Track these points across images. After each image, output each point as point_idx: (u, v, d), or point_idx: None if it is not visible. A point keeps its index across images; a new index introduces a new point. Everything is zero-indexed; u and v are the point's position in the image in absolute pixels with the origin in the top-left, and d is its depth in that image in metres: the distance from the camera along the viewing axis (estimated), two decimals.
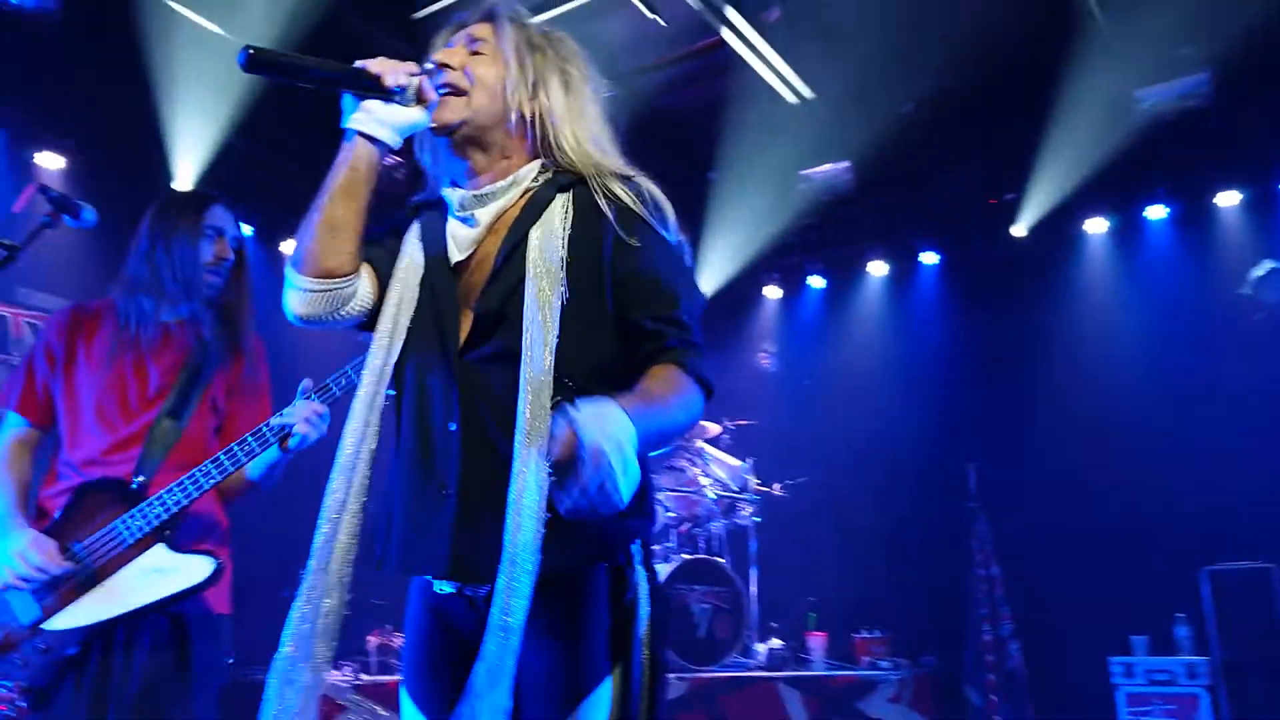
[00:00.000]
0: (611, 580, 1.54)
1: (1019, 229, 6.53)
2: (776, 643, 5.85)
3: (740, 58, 5.91)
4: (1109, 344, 6.30)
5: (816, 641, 5.95)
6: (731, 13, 5.51)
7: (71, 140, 5.40)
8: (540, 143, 1.66)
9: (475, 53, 1.65)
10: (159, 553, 2.24)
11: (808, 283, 7.71)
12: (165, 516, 2.23)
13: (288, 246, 6.73)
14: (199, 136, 5.57)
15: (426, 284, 1.64)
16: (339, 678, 5.19)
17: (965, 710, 5.79)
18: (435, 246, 1.67)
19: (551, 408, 1.42)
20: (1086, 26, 5.51)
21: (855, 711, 5.23)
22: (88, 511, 2.25)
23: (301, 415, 2.29)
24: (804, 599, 6.55)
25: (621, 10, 5.32)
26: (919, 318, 7.25)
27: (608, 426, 1.25)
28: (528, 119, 1.64)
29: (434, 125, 1.61)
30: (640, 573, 1.57)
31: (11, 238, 2.03)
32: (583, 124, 1.68)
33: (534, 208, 1.62)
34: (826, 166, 6.91)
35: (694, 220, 7.07)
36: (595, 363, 1.55)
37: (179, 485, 2.25)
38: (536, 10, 5.28)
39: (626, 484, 1.24)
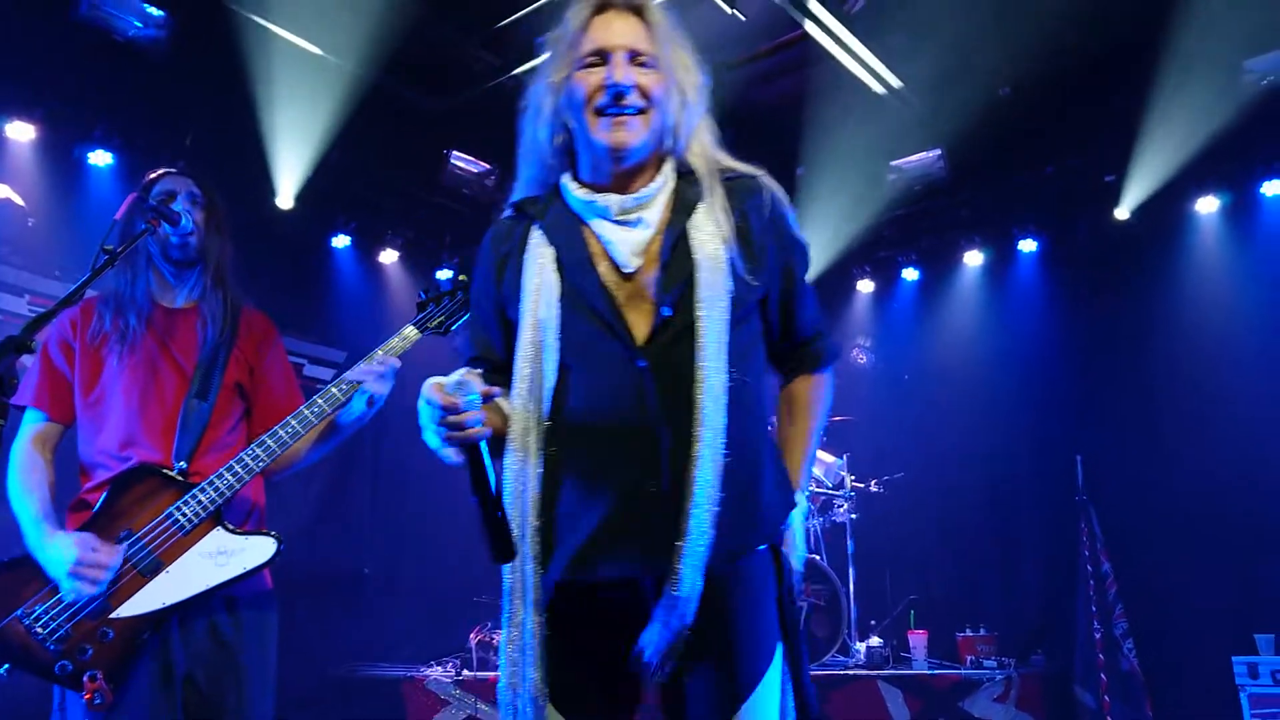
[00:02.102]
0: (775, 562, 1.62)
1: (1122, 211, 6.27)
2: (876, 641, 5.76)
3: (824, 50, 5.84)
4: (1223, 328, 5.98)
5: (918, 640, 5.84)
6: (814, 4, 5.45)
7: (182, 160, 5.68)
8: (672, 139, 1.69)
9: (641, 64, 1.64)
10: (219, 535, 2.29)
11: (901, 275, 7.56)
12: (220, 501, 2.28)
13: (385, 256, 6.95)
14: (298, 151, 5.81)
15: (574, 293, 1.63)
16: (440, 674, 5.32)
17: (1077, 712, 5.60)
18: (579, 252, 1.66)
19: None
20: None
21: (959, 711, 5.11)
22: (134, 498, 2.27)
23: (371, 372, 2.36)
24: (904, 597, 6.43)
25: (699, 6, 5.29)
26: (1019, 307, 7.03)
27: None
28: (677, 125, 1.68)
29: (615, 147, 1.61)
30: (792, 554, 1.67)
31: (113, 244, 2.14)
32: (706, 120, 1.75)
33: (685, 207, 1.67)
34: (917, 156, 6.78)
35: None
36: (745, 347, 1.66)
37: (229, 470, 2.29)
38: None
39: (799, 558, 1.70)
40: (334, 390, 2.37)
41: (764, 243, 1.67)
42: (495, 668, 5.47)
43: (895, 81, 6.28)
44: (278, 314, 2.74)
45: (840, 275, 7.57)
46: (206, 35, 5.34)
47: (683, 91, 1.67)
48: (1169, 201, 6.15)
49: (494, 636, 5.78)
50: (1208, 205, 6.20)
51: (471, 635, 5.72)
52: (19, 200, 5.11)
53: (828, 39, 5.75)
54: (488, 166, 6.85)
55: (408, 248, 7.01)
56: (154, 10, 5.18)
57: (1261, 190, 6.01)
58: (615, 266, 1.63)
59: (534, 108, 1.70)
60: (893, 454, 6.87)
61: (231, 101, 5.47)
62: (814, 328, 1.80)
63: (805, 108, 6.27)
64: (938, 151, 6.65)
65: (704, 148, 1.72)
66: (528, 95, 1.72)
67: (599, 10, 1.66)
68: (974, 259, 7.19)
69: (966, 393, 6.94)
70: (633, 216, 1.63)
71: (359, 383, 2.36)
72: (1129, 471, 6.03)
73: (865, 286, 7.77)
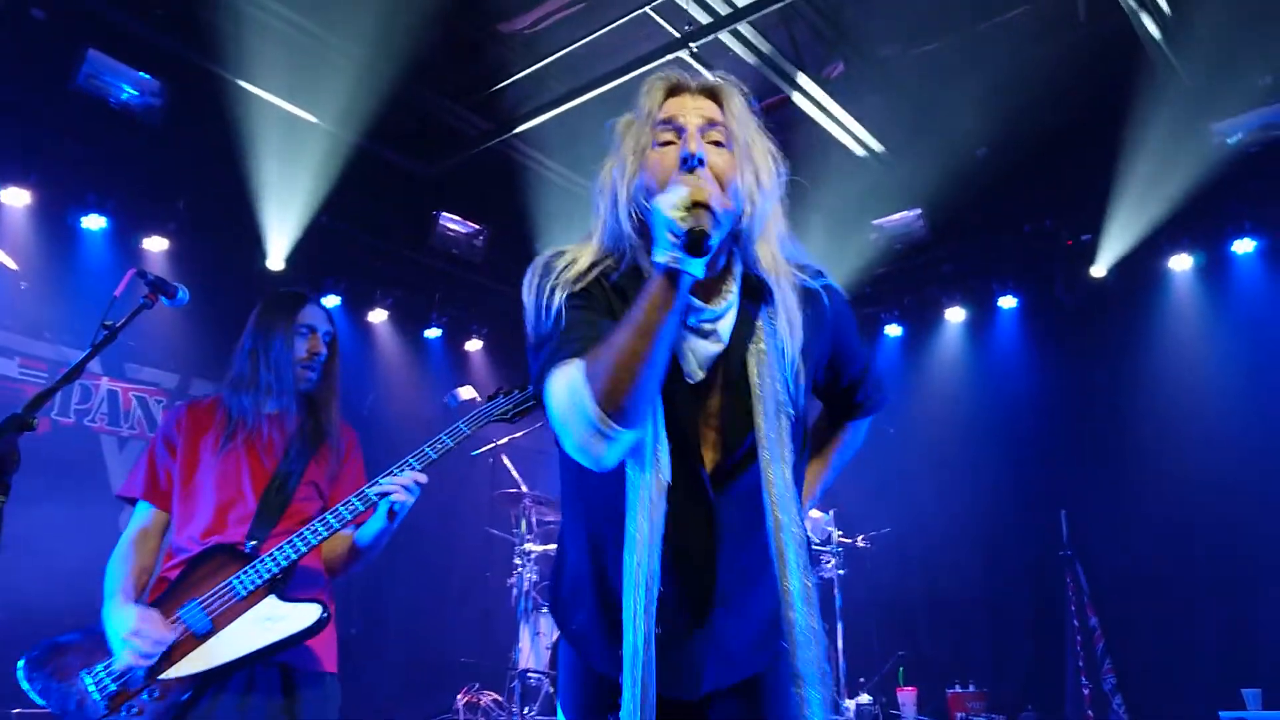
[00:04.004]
0: None
1: (1098, 269, 6.41)
2: (865, 698, 5.74)
3: (805, 114, 6.00)
4: (1200, 381, 6.09)
5: (907, 697, 5.82)
6: (794, 70, 5.62)
7: (174, 224, 5.75)
8: (738, 237, 1.57)
9: (715, 142, 1.56)
10: (270, 603, 2.38)
11: (885, 332, 7.66)
12: (276, 570, 2.38)
13: (375, 316, 7.00)
14: (288, 213, 5.89)
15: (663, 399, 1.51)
16: None
17: None
18: None
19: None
20: (1157, 64, 5.46)
21: None
22: (204, 573, 2.40)
23: (401, 483, 2.41)
24: (893, 653, 6.42)
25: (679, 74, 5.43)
26: (1001, 363, 7.13)
27: None
28: (748, 209, 1.55)
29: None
30: None
31: (113, 319, 2.21)
32: (780, 218, 1.64)
33: (747, 321, 1.58)
34: (898, 215, 6.93)
35: None
36: (803, 454, 1.64)
37: (289, 543, 2.39)
38: (592, 85, 5.51)
39: None
40: (369, 492, 2.43)
41: (820, 346, 1.65)
42: None
43: (875, 143, 6.44)
44: None
45: None
46: (199, 102, 5.44)
47: (756, 174, 1.56)
48: (1144, 259, 6.30)
49: (481, 698, 5.73)
50: (1181, 263, 6.34)
51: (459, 697, 5.67)
52: (12, 264, 5.16)
53: (809, 104, 5.91)
54: (476, 227, 6.95)
55: (397, 307, 7.07)
56: (147, 77, 5.29)
57: (1232, 248, 6.16)
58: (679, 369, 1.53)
59: (611, 192, 1.58)
60: (880, 509, 6.89)
61: (224, 165, 5.56)
62: (870, 390, 1.86)
63: (787, 170, 6.39)
64: (917, 211, 6.80)
65: (772, 245, 1.60)
66: (600, 175, 1.62)
67: (672, 93, 1.60)
68: (955, 315, 7.30)
69: (951, 448, 7.00)
70: (709, 328, 1.55)
71: (386, 493, 2.40)
72: (1113, 525, 6.08)
73: None
